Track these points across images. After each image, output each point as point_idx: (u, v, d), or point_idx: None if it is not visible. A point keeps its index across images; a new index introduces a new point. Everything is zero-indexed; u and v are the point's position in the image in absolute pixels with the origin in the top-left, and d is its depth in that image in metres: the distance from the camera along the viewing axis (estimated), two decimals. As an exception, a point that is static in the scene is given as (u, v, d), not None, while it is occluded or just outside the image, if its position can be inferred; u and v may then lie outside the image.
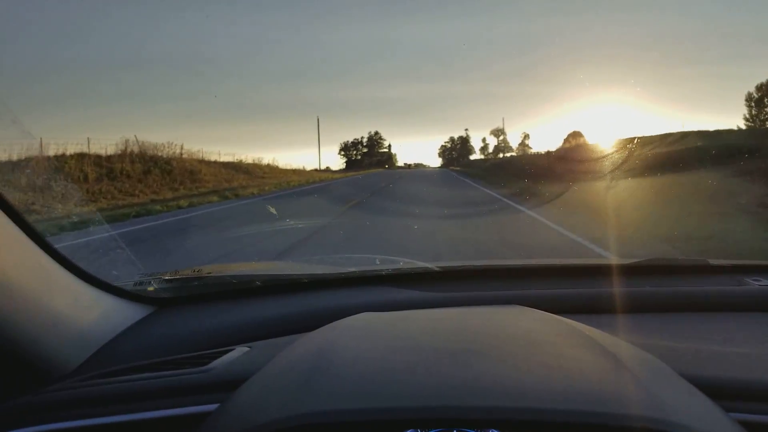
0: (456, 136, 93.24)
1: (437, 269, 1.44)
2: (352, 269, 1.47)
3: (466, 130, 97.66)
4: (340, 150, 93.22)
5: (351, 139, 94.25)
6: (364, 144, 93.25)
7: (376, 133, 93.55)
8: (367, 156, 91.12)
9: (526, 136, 78.79)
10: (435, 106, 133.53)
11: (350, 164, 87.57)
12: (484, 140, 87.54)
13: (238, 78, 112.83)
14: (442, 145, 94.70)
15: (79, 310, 1.04)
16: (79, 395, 0.89)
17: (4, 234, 0.89)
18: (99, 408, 0.86)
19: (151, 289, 1.32)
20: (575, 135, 39.01)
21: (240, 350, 1.00)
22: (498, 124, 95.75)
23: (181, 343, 1.16)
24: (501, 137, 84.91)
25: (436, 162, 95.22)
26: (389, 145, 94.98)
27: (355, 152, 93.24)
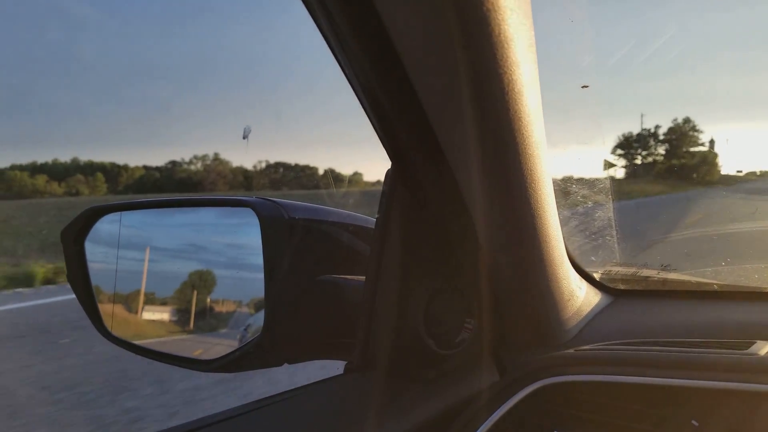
0: None
1: None
2: None
3: None
4: (616, 147, 37.35)
5: (636, 132, 40.80)
6: (660, 138, 40.21)
7: (686, 120, 40.11)
8: (667, 157, 39.37)
9: None
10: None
11: (632, 171, 37.36)
12: None
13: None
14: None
15: (575, 290, 1.12)
16: (607, 356, 0.96)
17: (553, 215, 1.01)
18: (627, 368, 0.92)
19: (614, 279, 1.44)
20: None
21: (762, 344, 1.01)
22: None
23: (649, 335, 1.20)
24: None
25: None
26: (711, 141, 36.36)
27: (642, 151, 40.24)
